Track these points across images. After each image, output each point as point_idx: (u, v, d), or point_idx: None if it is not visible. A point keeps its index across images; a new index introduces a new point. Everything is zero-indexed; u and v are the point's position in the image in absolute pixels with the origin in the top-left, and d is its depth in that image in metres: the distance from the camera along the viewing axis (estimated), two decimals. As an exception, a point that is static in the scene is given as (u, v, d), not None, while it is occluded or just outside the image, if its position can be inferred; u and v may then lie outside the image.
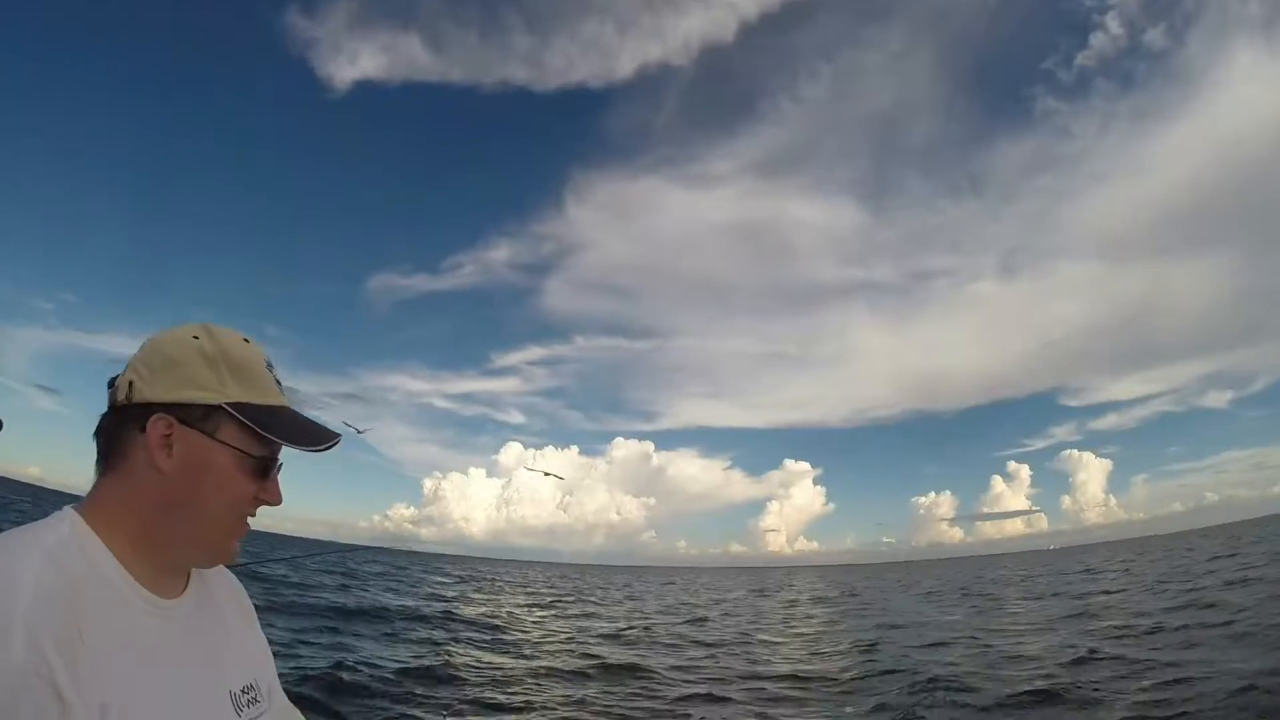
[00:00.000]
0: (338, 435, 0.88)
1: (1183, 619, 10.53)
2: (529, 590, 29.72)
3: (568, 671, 8.68)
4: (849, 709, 7.06)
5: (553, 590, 30.80)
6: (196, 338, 0.84)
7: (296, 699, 1.10)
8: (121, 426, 0.81)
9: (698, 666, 9.55)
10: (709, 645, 11.87)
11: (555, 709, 6.78)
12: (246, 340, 0.88)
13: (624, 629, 14.14)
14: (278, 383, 0.88)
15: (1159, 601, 13.99)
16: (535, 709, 6.73)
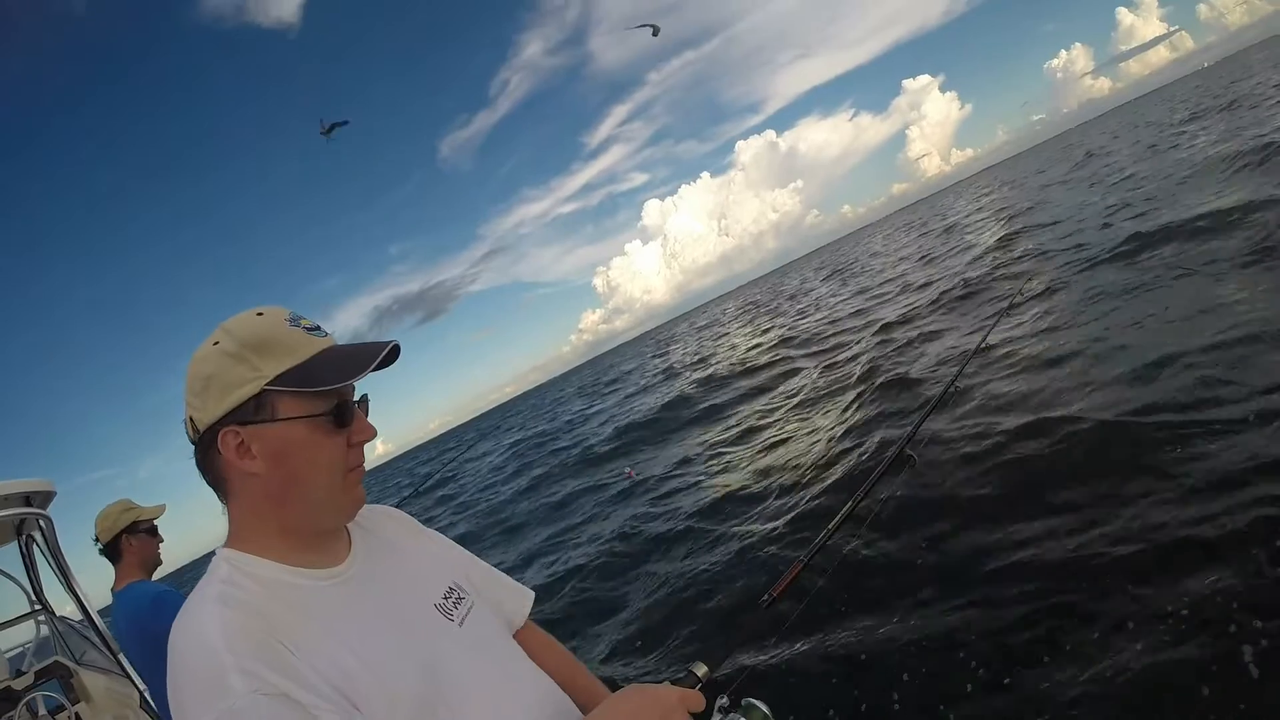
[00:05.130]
0: (390, 342, 0.85)
1: None
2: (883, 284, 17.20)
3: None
4: None
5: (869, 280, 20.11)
6: (217, 343, 0.84)
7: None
8: (207, 458, 0.85)
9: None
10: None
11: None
12: (260, 313, 0.86)
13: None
14: (310, 329, 0.86)
15: None
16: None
